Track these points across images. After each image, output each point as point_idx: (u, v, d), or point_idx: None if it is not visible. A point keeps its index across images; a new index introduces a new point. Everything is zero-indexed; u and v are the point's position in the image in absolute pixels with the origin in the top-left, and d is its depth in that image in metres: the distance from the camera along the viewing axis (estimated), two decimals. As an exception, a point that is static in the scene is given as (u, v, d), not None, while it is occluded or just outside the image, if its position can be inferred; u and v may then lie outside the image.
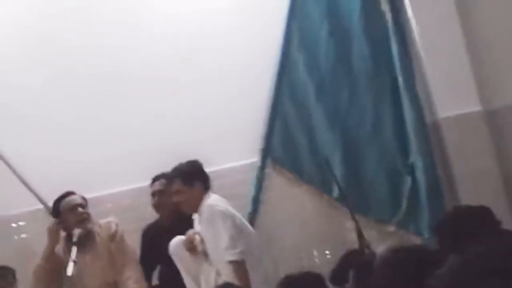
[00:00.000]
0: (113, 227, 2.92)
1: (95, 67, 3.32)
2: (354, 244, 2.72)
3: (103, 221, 2.95)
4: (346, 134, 3.19)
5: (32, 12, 3.36)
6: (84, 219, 2.89)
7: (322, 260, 3.21)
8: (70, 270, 2.63)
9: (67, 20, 3.35)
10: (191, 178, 2.83)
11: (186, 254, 2.83)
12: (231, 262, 2.69)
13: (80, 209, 2.89)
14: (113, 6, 3.36)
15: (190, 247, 2.82)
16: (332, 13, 3.21)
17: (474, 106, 3.05)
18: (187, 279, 2.86)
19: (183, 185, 2.82)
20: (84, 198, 2.94)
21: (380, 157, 3.16)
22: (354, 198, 3.06)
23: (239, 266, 2.70)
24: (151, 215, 3.07)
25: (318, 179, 3.21)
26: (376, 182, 3.16)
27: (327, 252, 3.23)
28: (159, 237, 2.95)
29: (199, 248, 2.80)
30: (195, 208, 2.82)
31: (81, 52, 3.34)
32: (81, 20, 3.35)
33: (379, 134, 3.16)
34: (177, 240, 2.86)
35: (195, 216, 2.87)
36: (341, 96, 3.20)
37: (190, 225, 2.87)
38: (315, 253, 3.26)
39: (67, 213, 2.89)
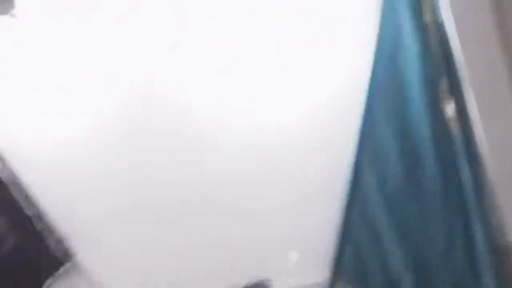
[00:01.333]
0: None
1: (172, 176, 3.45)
2: None
3: None
4: (417, 256, 3.22)
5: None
6: None
7: None
8: None
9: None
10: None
11: None
12: None
13: None
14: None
15: None
16: (403, 134, 3.29)
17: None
18: None
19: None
20: None
21: (452, 280, 3.16)
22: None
23: None
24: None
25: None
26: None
27: None
28: None
29: None
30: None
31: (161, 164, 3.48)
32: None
33: (450, 256, 3.17)
34: None
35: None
36: (412, 217, 3.25)
37: None
38: None
39: None
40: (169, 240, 3.46)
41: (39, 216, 3.46)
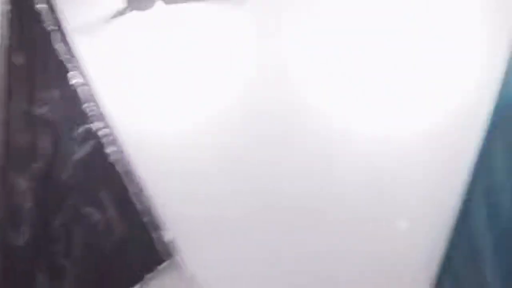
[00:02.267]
0: None
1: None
2: None
3: None
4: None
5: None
6: None
7: None
8: None
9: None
10: None
11: None
12: None
13: None
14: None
15: None
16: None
17: None
18: None
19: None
20: None
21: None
22: None
23: None
24: None
25: None
26: None
27: None
28: None
29: None
30: None
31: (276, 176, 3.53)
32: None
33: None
34: None
35: None
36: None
37: None
38: None
39: None
40: (274, 249, 3.51)
41: (148, 209, 3.57)
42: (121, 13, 3.50)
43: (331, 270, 3.43)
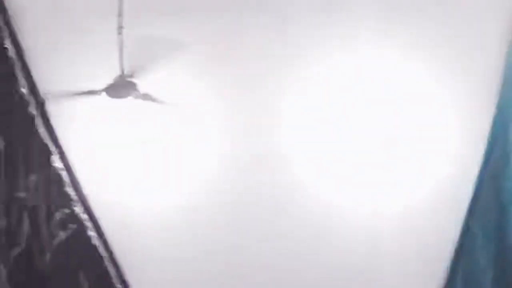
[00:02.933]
0: None
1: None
2: None
3: None
4: None
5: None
6: None
7: None
8: None
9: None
10: None
11: None
12: None
13: None
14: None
15: None
16: (498, 261, 3.23)
17: None
18: None
19: None
20: None
21: None
22: None
23: None
24: None
25: None
26: None
27: None
28: None
29: None
30: None
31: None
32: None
33: None
34: None
35: None
36: None
37: None
38: None
39: None
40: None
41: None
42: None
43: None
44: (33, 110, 3.48)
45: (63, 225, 3.51)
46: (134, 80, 3.36)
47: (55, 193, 3.50)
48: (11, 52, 3.44)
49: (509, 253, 3.22)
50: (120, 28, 3.31)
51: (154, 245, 3.56)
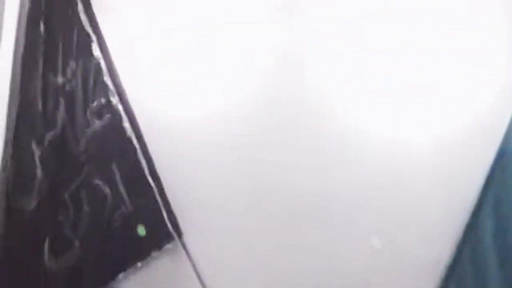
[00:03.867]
0: None
1: (301, 187, 3.37)
2: None
3: None
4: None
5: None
6: None
7: None
8: None
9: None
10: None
11: None
12: None
13: None
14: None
15: None
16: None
17: None
18: None
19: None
20: None
21: None
22: None
23: None
24: None
25: None
26: None
27: None
28: None
29: None
30: None
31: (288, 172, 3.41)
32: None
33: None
34: None
35: None
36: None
37: None
38: None
39: None
40: (277, 242, 3.38)
41: (160, 188, 3.54)
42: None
43: (333, 266, 3.28)
44: (74, -4, 3.49)
45: (99, 114, 3.53)
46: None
47: (93, 81, 3.51)
48: None
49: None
50: None
51: (190, 148, 3.55)
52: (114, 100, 3.52)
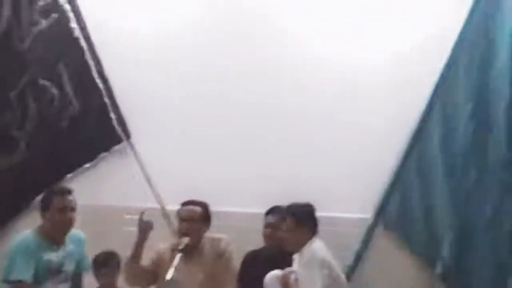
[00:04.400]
0: (223, 245, 3.00)
1: (249, 93, 3.48)
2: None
3: (215, 236, 2.99)
4: (465, 217, 3.12)
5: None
6: (186, 233, 2.93)
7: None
8: (169, 274, 2.72)
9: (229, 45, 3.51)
10: (303, 220, 2.90)
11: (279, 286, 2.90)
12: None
13: (189, 223, 2.94)
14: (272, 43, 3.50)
15: (285, 284, 2.88)
16: (477, 98, 3.17)
17: None
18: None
19: (295, 225, 2.89)
20: (205, 209, 3.02)
21: (493, 248, 3.08)
22: (458, 282, 3.08)
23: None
24: (255, 243, 3.16)
25: (425, 251, 3.20)
26: (483, 272, 3.07)
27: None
28: (259, 266, 3.02)
29: (292, 285, 2.86)
30: (299, 248, 2.88)
31: (239, 77, 3.50)
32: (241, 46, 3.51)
33: (497, 224, 3.09)
34: (273, 274, 2.92)
35: (296, 256, 2.93)
36: (468, 178, 3.16)
37: (289, 263, 2.93)
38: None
39: (180, 221, 3.01)
40: (225, 150, 3.50)
41: (108, 90, 3.53)
42: None
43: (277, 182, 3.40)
44: None
45: (45, 13, 3.45)
46: None
47: (38, -20, 3.41)
48: None
49: (491, 83, 3.15)
50: None
51: (139, 51, 3.56)
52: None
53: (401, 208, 3.29)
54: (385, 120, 3.30)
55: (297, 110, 3.44)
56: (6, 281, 2.80)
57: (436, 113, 3.23)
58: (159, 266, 2.90)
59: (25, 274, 2.76)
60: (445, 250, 3.11)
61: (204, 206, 2.98)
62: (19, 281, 2.77)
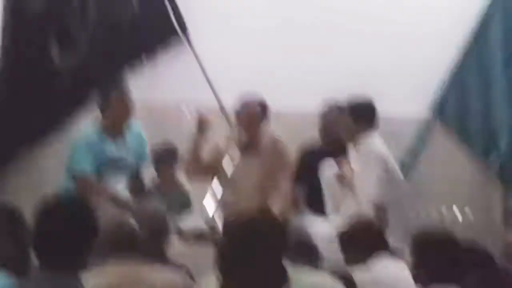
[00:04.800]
0: (281, 145, 3.04)
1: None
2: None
3: (274, 135, 3.06)
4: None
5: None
6: (245, 130, 2.99)
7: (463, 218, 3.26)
8: (229, 171, 2.79)
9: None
10: (361, 113, 2.90)
11: (335, 179, 2.93)
12: (372, 202, 2.76)
13: (247, 120, 2.99)
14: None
15: (340, 175, 2.91)
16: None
17: None
18: (329, 202, 2.96)
19: (352, 119, 2.89)
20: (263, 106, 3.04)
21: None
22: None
23: (379, 208, 2.76)
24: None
25: (481, 146, 3.21)
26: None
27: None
28: (316, 158, 3.05)
29: (348, 178, 2.89)
30: (356, 141, 2.89)
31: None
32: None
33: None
34: (329, 164, 2.96)
35: (352, 148, 2.93)
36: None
37: (346, 157, 2.94)
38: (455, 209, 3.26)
39: (238, 119, 3.03)
40: (283, 46, 3.51)
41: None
42: None
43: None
44: None
45: None
46: None
47: None
48: None
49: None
50: None
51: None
52: None
53: (458, 103, 3.29)
54: (445, 17, 3.24)
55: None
56: (70, 171, 2.88)
57: (499, 7, 3.15)
58: (218, 162, 2.95)
59: (87, 165, 2.84)
60: (502, 144, 3.10)
61: (262, 103, 2.99)
62: (82, 173, 2.85)
